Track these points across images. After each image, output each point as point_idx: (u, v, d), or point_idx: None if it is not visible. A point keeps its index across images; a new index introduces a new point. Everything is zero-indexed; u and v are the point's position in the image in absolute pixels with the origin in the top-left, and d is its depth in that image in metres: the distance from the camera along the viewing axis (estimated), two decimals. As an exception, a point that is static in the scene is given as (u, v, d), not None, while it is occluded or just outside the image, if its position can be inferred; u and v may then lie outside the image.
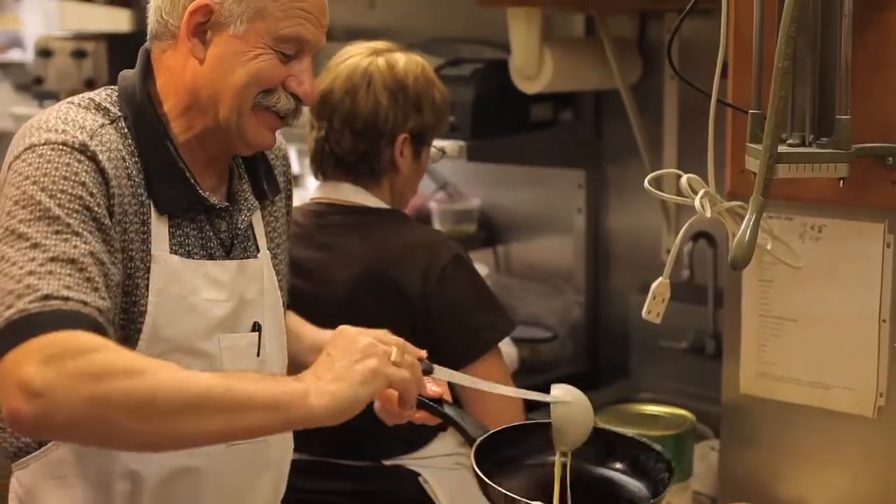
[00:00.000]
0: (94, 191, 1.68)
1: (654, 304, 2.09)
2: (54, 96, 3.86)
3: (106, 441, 1.62)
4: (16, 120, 3.93)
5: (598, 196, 3.41)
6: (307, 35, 1.81)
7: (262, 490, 1.98)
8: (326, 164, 2.45)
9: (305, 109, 2.20)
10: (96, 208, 1.68)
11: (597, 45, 3.11)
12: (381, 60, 2.40)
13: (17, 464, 1.84)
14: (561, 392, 1.79)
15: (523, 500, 1.61)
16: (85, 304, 1.57)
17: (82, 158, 1.69)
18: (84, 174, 1.68)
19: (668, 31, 3.10)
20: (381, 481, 2.38)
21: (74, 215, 1.64)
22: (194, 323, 1.82)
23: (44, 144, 1.70)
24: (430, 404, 1.78)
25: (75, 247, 1.61)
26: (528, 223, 3.56)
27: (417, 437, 2.38)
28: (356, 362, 1.62)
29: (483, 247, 3.57)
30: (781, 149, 1.84)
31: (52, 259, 1.58)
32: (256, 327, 1.91)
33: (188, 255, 1.83)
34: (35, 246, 1.59)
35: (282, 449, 2.02)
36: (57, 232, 1.61)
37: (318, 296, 2.34)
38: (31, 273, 1.56)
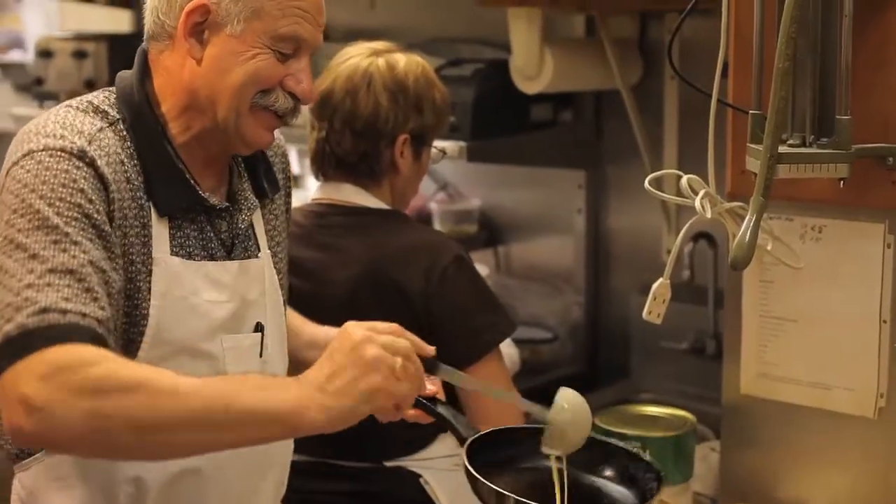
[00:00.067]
0: (93, 197, 1.68)
1: (655, 305, 2.09)
2: (55, 97, 3.86)
3: (108, 454, 1.66)
4: (16, 120, 3.92)
5: (598, 196, 3.41)
6: (304, 34, 1.81)
7: (265, 490, 1.98)
8: (327, 164, 2.45)
9: (305, 110, 2.20)
10: (95, 215, 1.67)
11: (597, 45, 3.11)
12: (381, 61, 2.40)
13: (20, 465, 1.84)
14: (562, 403, 1.78)
15: (511, 495, 1.61)
16: (84, 315, 1.57)
17: (81, 165, 1.69)
18: (83, 181, 1.68)
19: (668, 32, 3.10)
20: (381, 482, 2.38)
21: (73, 223, 1.64)
22: (197, 324, 1.82)
23: (42, 150, 1.69)
24: (425, 403, 1.77)
25: (74, 257, 1.61)
26: (528, 224, 3.56)
27: (418, 438, 2.38)
28: (360, 377, 1.60)
29: (483, 247, 3.57)
30: (782, 149, 1.84)
31: (51, 270, 1.59)
32: (259, 328, 1.91)
33: (189, 256, 1.83)
34: (33, 257, 1.59)
35: (283, 450, 2.02)
36: (55, 242, 1.61)
37: (318, 296, 2.34)
38: (29, 286, 1.57)
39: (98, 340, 1.57)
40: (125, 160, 1.77)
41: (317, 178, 2.51)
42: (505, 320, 2.38)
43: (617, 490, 1.79)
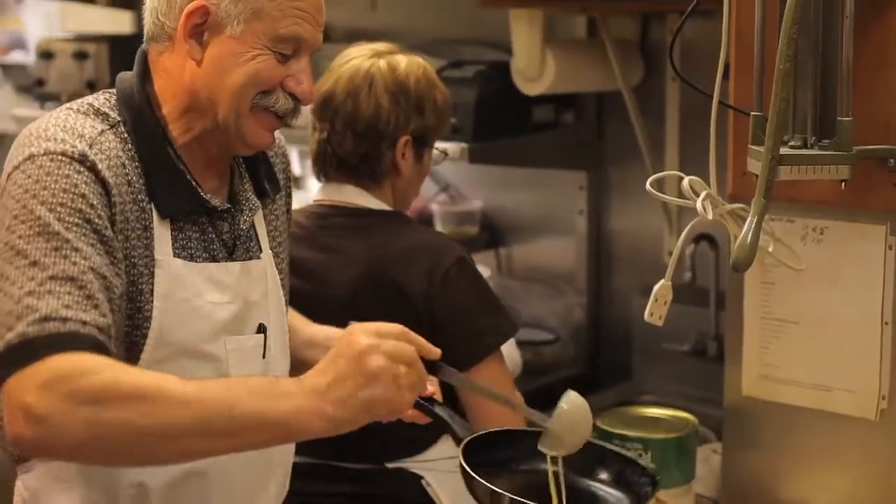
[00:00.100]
0: (95, 202, 1.68)
1: (656, 307, 2.09)
2: (56, 98, 3.86)
3: (109, 462, 1.67)
4: (17, 122, 3.93)
5: (599, 198, 3.41)
6: (304, 34, 1.80)
7: (267, 492, 1.98)
8: (328, 165, 2.45)
9: (306, 111, 2.20)
10: (97, 220, 1.67)
11: (599, 46, 3.11)
12: (382, 62, 2.40)
13: (22, 467, 1.84)
14: (562, 405, 1.78)
15: (507, 494, 1.61)
16: (84, 323, 1.58)
17: (82, 169, 1.69)
18: (84, 185, 1.68)
19: (669, 33, 3.10)
20: (383, 484, 2.38)
21: (74, 229, 1.64)
22: (199, 326, 1.81)
23: (43, 155, 1.69)
24: (422, 403, 1.77)
25: (74, 263, 1.61)
26: (529, 225, 3.56)
27: (420, 439, 2.38)
28: (362, 388, 1.58)
29: (485, 249, 3.57)
30: (783, 151, 1.84)
31: (52, 278, 1.59)
32: (262, 329, 1.91)
33: (191, 258, 1.82)
34: (34, 264, 1.60)
35: (285, 452, 2.02)
36: (56, 248, 1.61)
37: (319, 297, 2.34)
38: (30, 293, 1.57)
39: (99, 348, 1.58)
40: (126, 163, 1.76)
41: (318, 179, 2.51)
42: (507, 322, 2.38)
43: (612, 493, 1.79)
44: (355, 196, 2.43)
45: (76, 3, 4.07)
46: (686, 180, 1.99)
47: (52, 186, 1.66)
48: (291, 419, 1.57)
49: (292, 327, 2.12)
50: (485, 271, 2.97)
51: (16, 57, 4.77)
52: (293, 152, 3.88)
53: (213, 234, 1.86)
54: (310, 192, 3.67)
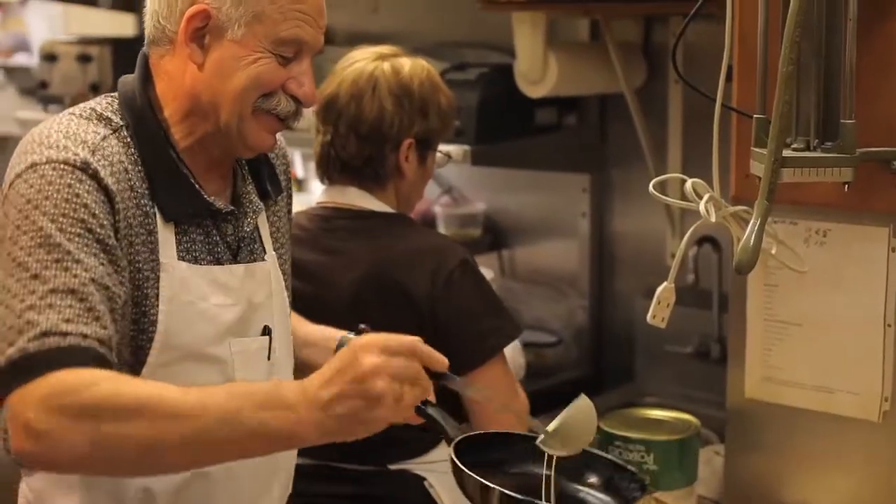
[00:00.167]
0: (97, 211, 1.68)
1: (659, 309, 2.09)
2: (59, 100, 3.86)
3: (111, 474, 1.70)
4: (21, 124, 3.93)
5: (602, 200, 3.41)
6: (305, 37, 1.80)
7: (271, 493, 1.98)
8: (332, 168, 2.45)
9: (310, 113, 2.20)
10: (99, 229, 1.67)
11: (601, 49, 3.11)
12: (386, 65, 2.40)
13: (27, 470, 1.84)
14: (571, 409, 1.78)
15: (497, 488, 1.61)
16: (84, 336, 1.59)
17: (84, 178, 1.69)
18: (86, 195, 1.68)
19: (672, 36, 3.11)
20: (386, 486, 2.38)
21: (76, 239, 1.64)
22: (205, 329, 1.82)
23: (45, 163, 1.69)
24: (416, 405, 1.77)
25: (75, 276, 1.62)
26: (532, 227, 3.56)
27: (422, 441, 2.38)
28: (364, 409, 1.57)
29: (488, 251, 3.57)
30: (786, 153, 1.84)
31: (52, 291, 1.60)
32: (266, 331, 1.91)
33: (195, 261, 1.82)
34: (35, 277, 1.61)
35: (288, 454, 2.03)
36: (57, 260, 1.62)
37: (323, 299, 2.34)
38: (31, 307, 1.58)
39: (99, 360, 1.59)
40: (129, 167, 1.76)
41: (322, 181, 2.51)
42: (510, 324, 2.38)
43: (600, 498, 1.79)
44: (358, 198, 2.43)
45: (79, 5, 4.08)
46: (689, 183, 1.99)
47: (55, 196, 1.66)
48: (293, 429, 1.57)
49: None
50: (488, 273, 2.97)
51: (19, 59, 4.78)
52: (296, 155, 3.89)
53: (217, 237, 1.86)
54: (313, 194, 3.68)
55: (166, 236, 1.79)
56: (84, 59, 3.82)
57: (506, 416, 2.14)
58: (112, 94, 1.87)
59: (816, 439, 2.12)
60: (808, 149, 1.88)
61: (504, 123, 3.11)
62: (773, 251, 2.05)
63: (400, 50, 2.48)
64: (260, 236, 1.95)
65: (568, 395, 1.79)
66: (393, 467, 2.39)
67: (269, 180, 1.99)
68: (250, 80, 1.78)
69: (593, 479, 1.81)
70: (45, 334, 1.56)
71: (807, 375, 2.11)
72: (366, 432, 1.60)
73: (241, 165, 1.95)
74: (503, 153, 3.14)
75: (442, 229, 3.47)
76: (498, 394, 2.31)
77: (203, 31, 1.78)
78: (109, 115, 1.81)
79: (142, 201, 1.77)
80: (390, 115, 2.37)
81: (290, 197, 2.12)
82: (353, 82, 2.39)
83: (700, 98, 2.08)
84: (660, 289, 2.09)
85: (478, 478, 1.65)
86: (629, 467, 1.81)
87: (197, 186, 1.83)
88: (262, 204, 1.95)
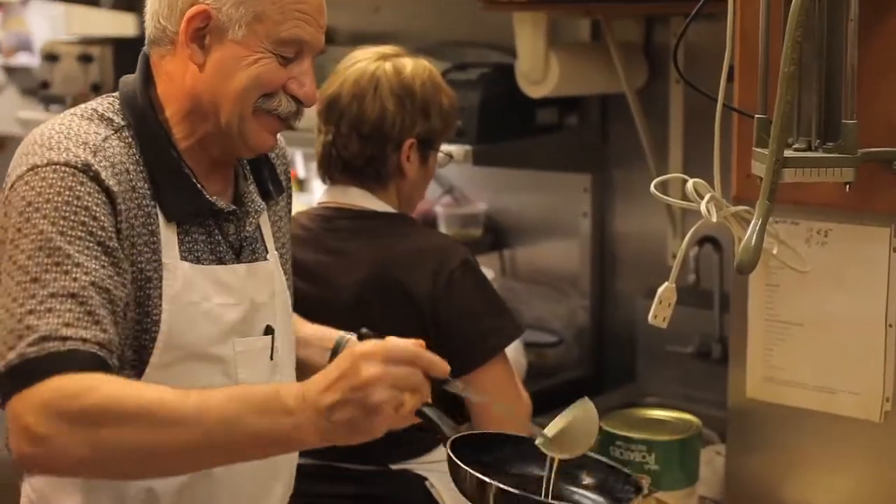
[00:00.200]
0: (98, 213, 1.68)
1: (661, 309, 2.09)
2: (60, 100, 3.86)
3: (111, 478, 1.71)
4: (22, 124, 3.93)
5: (603, 200, 3.42)
6: (306, 36, 1.80)
7: (274, 493, 1.98)
8: (333, 168, 2.45)
9: (312, 113, 2.20)
10: (100, 232, 1.67)
11: (603, 49, 3.11)
12: (388, 65, 2.40)
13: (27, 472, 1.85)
14: (577, 414, 1.78)
15: (494, 483, 1.62)
16: (84, 340, 1.59)
17: (85, 180, 1.69)
18: (87, 197, 1.68)
19: (674, 36, 3.11)
20: (387, 486, 2.38)
21: (77, 242, 1.64)
22: (208, 329, 1.82)
23: (46, 166, 1.69)
24: None
25: (75, 279, 1.62)
26: (534, 227, 3.56)
27: (424, 441, 2.38)
28: (363, 418, 1.56)
29: (489, 251, 3.57)
30: (787, 153, 1.84)
31: (52, 295, 1.60)
32: (269, 330, 1.91)
33: (198, 260, 1.82)
34: (35, 280, 1.61)
35: (290, 454, 2.02)
36: (57, 264, 1.62)
37: (325, 300, 2.34)
38: (30, 312, 1.59)
39: (99, 364, 1.59)
40: (131, 168, 1.76)
41: (323, 181, 2.51)
42: (511, 324, 2.38)
43: (593, 499, 1.79)
44: (360, 198, 2.43)
45: (81, 5, 4.07)
46: (690, 183, 1.99)
47: (55, 199, 1.66)
48: (292, 434, 1.57)
49: None
50: (489, 273, 2.98)
51: (21, 59, 4.77)
52: (297, 154, 3.89)
53: (220, 237, 1.86)
54: (314, 194, 3.68)
55: (168, 236, 1.79)
56: (85, 59, 3.82)
57: (508, 421, 2.15)
58: (113, 94, 1.87)
59: (817, 439, 2.12)
60: (809, 149, 1.88)
61: (505, 123, 3.11)
62: (775, 251, 2.05)
63: (402, 50, 2.48)
64: (262, 236, 1.95)
65: (569, 396, 1.79)
66: (395, 467, 2.39)
67: (271, 180, 1.99)
68: (251, 80, 1.78)
69: (588, 481, 1.81)
70: (44, 339, 1.57)
71: (808, 375, 2.11)
72: (365, 438, 1.60)
73: (242, 165, 1.95)
74: (504, 153, 3.14)
75: (443, 229, 3.47)
76: (500, 394, 2.31)
77: (203, 32, 1.78)
78: (111, 115, 1.81)
79: (144, 202, 1.77)
80: (392, 115, 2.37)
81: (290, 197, 2.13)
82: (355, 82, 2.39)
83: (701, 98, 2.08)
84: (661, 289, 2.09)
85: (475, 473, 1.65)
86: (624, 469, 1.81)
87: (199, 186, 1.83)
88: (263, 204, 1.95)
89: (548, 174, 3.47)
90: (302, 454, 2.09)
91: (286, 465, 2.01)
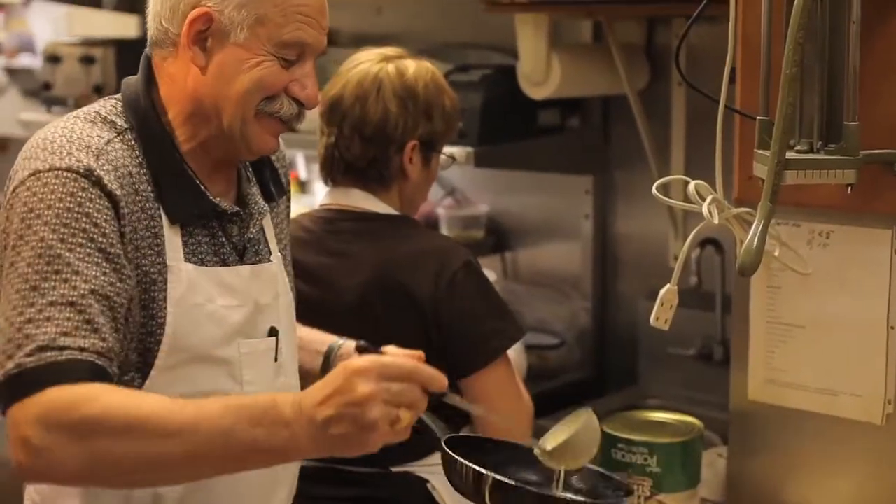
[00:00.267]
0: (100, 220, 1.68)
1: (662, 311, 2.09)
2: (62, 102, 3.86)
3: (109, 487, 1.72)
4: (24, 126, 3.93)
5: (605, 202, 3.41)
6: (308, 39, 1.80)
7: (279, 494, 1.99)
8: (336, 170, 2.45)
9: (315, 115, 2.20)
10: (101, 239, 1.67)
11: (604, 50, 3.11)
12: (391, 67, 2.40)
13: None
14: (580, 429, 1.78)
15: (490, 474, 1.62)
16: (82, 349, 1.59)
17: (87, 185, 1.68)
18: (89, 203, 1.68)
19: (675, 37, 3.11)
20: (389, 488, 2.38)
21: (78, 250, 1.64)
22: (213, 331, 1.81)
23: (48, 171, 1.68)
24: None
25: (75, 287, 1.62)
26: (535, 229, 3.56)
27: (426, 443, 2.37)
28: (358, 434, 1.55)
29: (491, 253, 3.57)
30: (789, 155, 1.84)
31: (51, 304, 1.60)
32: (273, 332, 1.91)
33: (202, 262, 1.82)
34: (34, 289, 1.61)
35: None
36: (57, 272, 1.62)
37: (328, 302, 2.34)
38: (29, 321, 1.59)
39: (98, 373, 1.59)
40: (133, 171, 1.76)
41: (326, 183, 2.51)
42: (513, 326, 2.38)
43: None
44: (363, 200, 2.43)
45: (83, 7, 4.07)
46: (692, 184, 1.99)
47: (57, 205, 1.66)
48: (288, 445, 1.57)
49: None
50: (490, 275, 2.98)
51: (23, 61, 4.77)
52: (299, 156, 3.89)
53: (224, 238, 1.86)
54: (316, 196, 3.68)
55: (172, 238, 1.79)
56: (87, 60, 3.82)
57: (508, 431, 2.15)
58: (115, 96, 1.87)
59: (819, 442, 2.12)
60: (811, 151, 1.88)
61: (507, 125, 3.11)
62: (776, 253, 2.05)
63: (404, 52, 2.48)
64: (265, 237, 1.96)
65: (570, 398, 1.80)
66: (396, 469, 2.39)
67: (272, 182, 1.99)
68: (253, 83, 1.78)
69: (579, 485, 1.82)
70: (42, 349, 1.57)
71: (810, 378, 2.11)
72: (361, 452, 1.59)
73: (245, 167, 1.95)
74: (506, 155, 3.14)
75: (445, 231, 3.47)
76: (501, 397, 2.31)
77: (205, 34, 1.77)
78: (114, 118, 1.81)
79: (147, 204, 1.76)
80: (395, 117, 2.37)
81: (289, 199, 2.13)
82: (357, 84, 2.39)
83: (703, 100, 2.08)
84: (663, 291, 2.09)
85: (471, 465, 1.65)
86: (615, 476, 1.81)
87: (202, 188, 1.82)
88: (266, 205, 1.95)
89: (549, 176, 3.47)
90: (303, 456, 2.09)
91: (290, 468, 2.01)
